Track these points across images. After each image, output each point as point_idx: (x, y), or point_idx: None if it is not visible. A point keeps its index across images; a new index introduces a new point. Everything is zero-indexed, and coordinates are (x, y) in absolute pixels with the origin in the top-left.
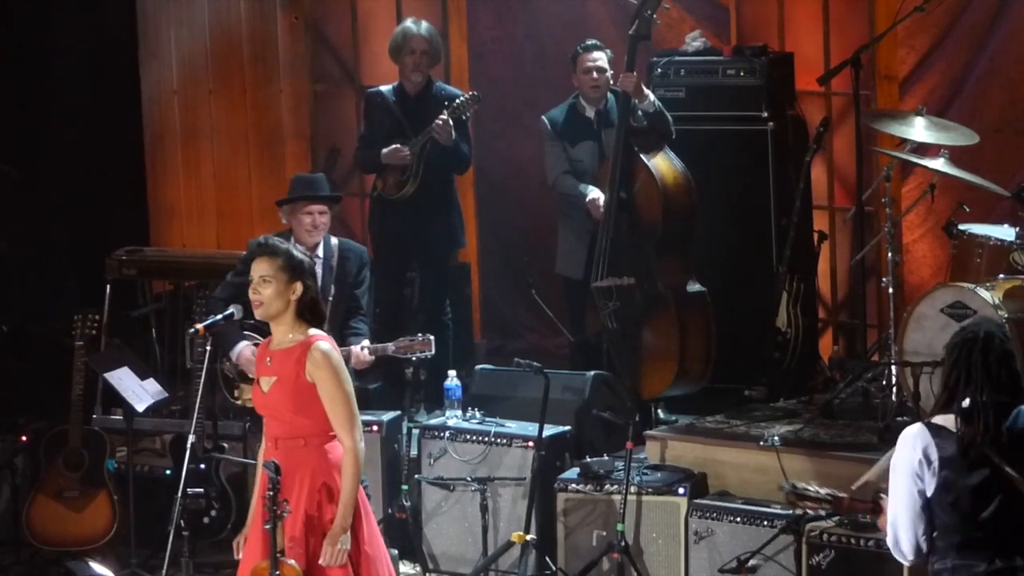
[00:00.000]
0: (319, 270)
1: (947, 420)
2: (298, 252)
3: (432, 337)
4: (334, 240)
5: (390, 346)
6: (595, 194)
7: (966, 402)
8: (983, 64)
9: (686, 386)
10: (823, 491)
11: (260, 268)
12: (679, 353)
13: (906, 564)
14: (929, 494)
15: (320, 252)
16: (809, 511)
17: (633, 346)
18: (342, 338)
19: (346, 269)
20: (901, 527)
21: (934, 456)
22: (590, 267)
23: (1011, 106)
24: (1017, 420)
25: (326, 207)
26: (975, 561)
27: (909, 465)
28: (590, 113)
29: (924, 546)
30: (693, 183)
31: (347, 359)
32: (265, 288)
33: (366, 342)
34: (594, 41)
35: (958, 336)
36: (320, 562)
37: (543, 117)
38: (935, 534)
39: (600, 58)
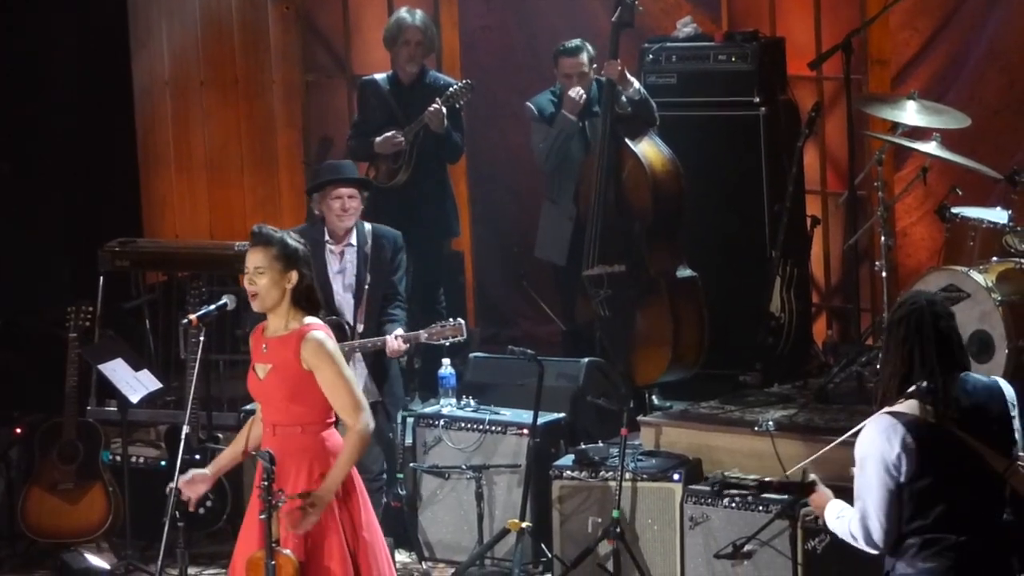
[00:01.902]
0: (352, 257)
1: (910, 406)
2: (293, 240)
3: (463, 321)
4: (368, 226)
5: (422, 333)
6: (572, 92)
7: (926, 383)
8: (982, 46)
9: (680, 372)
10: (750, 477)
11: (254, 259)
12: (672, 339)
13: (874, 553)
14: (903, 482)
15: (353, 239)
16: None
17: (626, 333)
18: (379, 325)
19: (381, 255)
20: (874, 518)
21: (910, 445)
22: (573, 253)
23: (1009, 88)
24: (968, 389)
25: (355, 191)
26: (946, 534)
27: (883, 458)
28: None
29: (894, 534)
30: (681, 168)
31: (382, 349)
32: (260, 279)
33: (400, 330)
34: (575, 43)
35: (902, 310)
36: (286, 524)
37: (528, 103)
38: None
39: (580, 64)
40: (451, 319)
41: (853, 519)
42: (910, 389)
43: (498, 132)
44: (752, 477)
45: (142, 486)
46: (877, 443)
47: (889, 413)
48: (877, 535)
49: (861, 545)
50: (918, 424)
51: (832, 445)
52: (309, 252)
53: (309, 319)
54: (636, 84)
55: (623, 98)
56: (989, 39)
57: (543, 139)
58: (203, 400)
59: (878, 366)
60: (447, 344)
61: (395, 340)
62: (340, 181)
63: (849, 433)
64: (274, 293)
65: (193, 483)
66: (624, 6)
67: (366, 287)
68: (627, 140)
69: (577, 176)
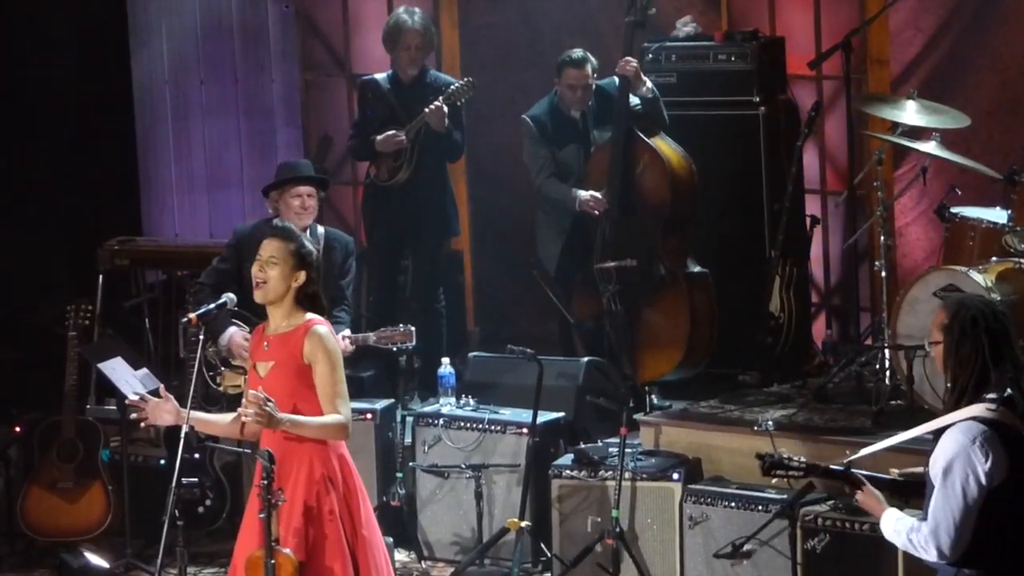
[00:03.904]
0: None
1: (993, 411)
2: (310, 243)
3: (413, 328)
4: (320, 229)
5: (371, 336)
6: (586, 195)
7: (1008, 385)
8: (978, 46)
9: (688, 370)
10: (798, 459)
11: (271, 248)
12: (688, 334)
13: (937, 562)
14: (991, 491)
15: None
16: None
17: (636, 328)
18: None
19: (331, 259)
20: (952, 531)
21: (1002, 453)
22: (562, 264)
23: (1002, 88)
24: None
25: (314, 189)
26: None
27: (975, 468)
28: (575, 113)
29: (965, 546)
30: (694, 165)
31: None
32: (271, 269)
33: (347, 331)
34: (580, 54)
35: (968, 310)
36: (246, 408)
37: (526, 118)
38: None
39: (586, 76)
40: (401, 325)
41: (921, 531)
42: (993, 395)
43: (498, 130)
44: (801, 458)
45: (141, 485)
46: (968, 452)
47: (975, 420)
48: (948, 547)
49: (923, 556)
50: (1007, 429)
51: (897, 441)
52: (320, 261)
53: (311, 315)
54: (649, 83)
55: (635, 97)
56: (985, 39)
57: (539, 166)
58: (202, 399)
59: (947, 365)
60: (395, 349)
61: (342, 340)
62: (300, 179)
63: (923, 429)
64: (280, 287)
65: (159, 408)
66: (637, 7)
67: None
68: (642, 136)
69: (581, 172)
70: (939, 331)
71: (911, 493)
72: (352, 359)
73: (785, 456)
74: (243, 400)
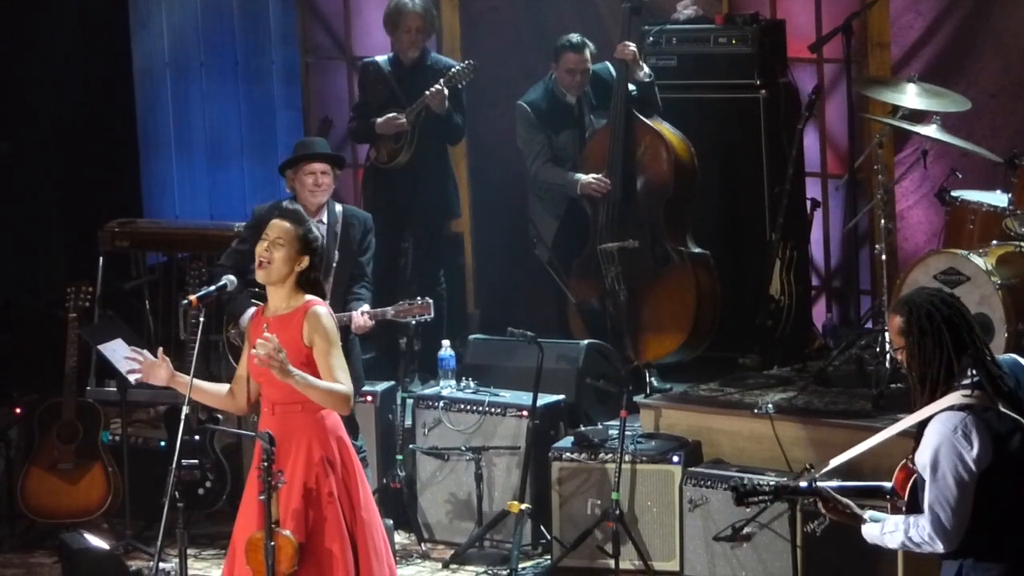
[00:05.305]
0: (322, 234)
1: (968, 397)
2: (317, 230)
3: (431, 300)
4: (339, 207)
5: (389, 310)
6: (588, 177)
7: (974, 369)
8: (979, 30)
9: (692, 349)
10: (767, 482)
11: (278, 230)
12: (694, 313)
13: (943, 551)
14: (980, 476)
15: (324, 218)
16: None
17: (639, 309)
18: (345, 303)
19: (350, 236)
20: (953, 521)
21: (985, 438)
22: (559, 247)
23: (1005, 71)
24: (1005, 370)
25: (328, 167)
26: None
27: (960, 456)
28: (571, 99)
29: (964, 531)
30: (693, 148)
31: (348, 324)
32: (276, 250)
33: (366, 307)
34: (578, 39)
35: (922, 307)
36: (257, 349)
37: (522, 103)
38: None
39: (585, 60)
40: (419, 298)
41: (921, 527)
42: (964, 382)
43: (500, 113)
44: (770, 482)
45: (141, 466)
46: (951, 442)
47: (953, 408)
48: (953, 536)
49: (927, 551)
50: (986, 412)
51: (869, 446)
52: (324, 249)
53: (311, 296)
54: (646, 68)
55: (630, 82)
56: (989, 23)
57: (536, 152)
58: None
59: (913, 365)
60: (413, 322)
61: (361, 316)
62: (313, 156)
63: (899, 428)
64: (283, 269)
65: (154, 366)
66: None
67: (334, 265)
68: (643, 118)
69: (578, 158)
70: (899, 335)
71: (877, 497)
72: (359, 336)
73: (756, 483)
74: (235, 373)
